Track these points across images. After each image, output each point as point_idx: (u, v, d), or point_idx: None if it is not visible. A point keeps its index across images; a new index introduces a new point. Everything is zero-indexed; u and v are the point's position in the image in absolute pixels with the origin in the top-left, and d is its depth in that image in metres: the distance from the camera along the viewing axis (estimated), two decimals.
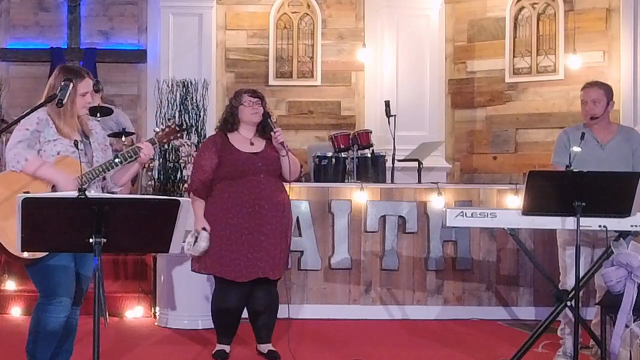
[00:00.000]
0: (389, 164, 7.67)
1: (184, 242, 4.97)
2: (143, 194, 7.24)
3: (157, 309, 6.38)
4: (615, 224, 4.51)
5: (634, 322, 4.35)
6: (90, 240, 3.17)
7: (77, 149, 3.87)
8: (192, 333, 5.98)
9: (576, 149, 4.83)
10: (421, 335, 6.08)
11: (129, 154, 4.10)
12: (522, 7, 9.29)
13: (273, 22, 9.65)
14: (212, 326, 5.51)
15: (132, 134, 7.58)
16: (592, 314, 5.73)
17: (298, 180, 5.40)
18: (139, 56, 9.55)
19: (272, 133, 5.07)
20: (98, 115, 7.70)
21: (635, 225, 4.53)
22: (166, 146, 7.07)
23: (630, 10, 8.50)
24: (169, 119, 7.17)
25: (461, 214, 4.73)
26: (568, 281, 5.02)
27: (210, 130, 7.84)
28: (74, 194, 3.24)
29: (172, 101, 7.24)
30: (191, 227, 5.05)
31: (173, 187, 7.03)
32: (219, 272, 5.12)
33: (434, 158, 8.57)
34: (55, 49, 9.38)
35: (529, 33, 9.22)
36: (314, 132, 9.56)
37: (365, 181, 7.07)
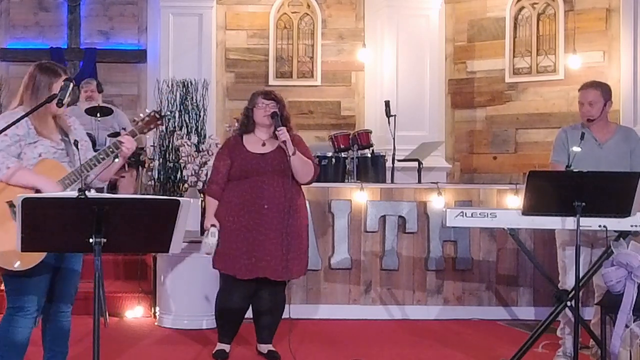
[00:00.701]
0: (389, 164, 7.67)
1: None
2: (143, 194, 7.25)
3: (157, 309, 6.38)
4: (615, 224, 4.51)
5: (634, 322, 4.35)
6: (90, 240, 3.17)
7: (77, 148, 3.81)
8: (192, 333, 5.98)
9: (576, 149, 4.83)
10: (421, 335, 6.08)
11: (111, 149, 3.97)
12: (522, 7, 9.29)
13: (273, 22, 9.65)
14: (213, 326, 5.52)
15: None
16: (591, 314, 5.73)
17: (313, 181, 5.33)
18: (139, 56, 9.56)
19: (276, 132, 5.07)
20: (98, 115, 7.72)
21: (635, 225, 4.53)
22: (166, 146, 7.08)
23: (630, 10, 8.50)
24: (168, 119, 7.17)
25: (461, 214, 4.73)
26: (567, 281, 5.02)
27: (210, 130, 7.86)
28: (74, 194, 3.23)
29: (172, 101, 7.24)
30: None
31: (173, 187, 7.03)
32: (223, 268, 5.17)
33: (434, 158, 8.57)
34: (55, 49, 9.38)
35: (529, 33, 9.22)
36: (314, 132, 9.55)
37: (365, 181, 7.07)
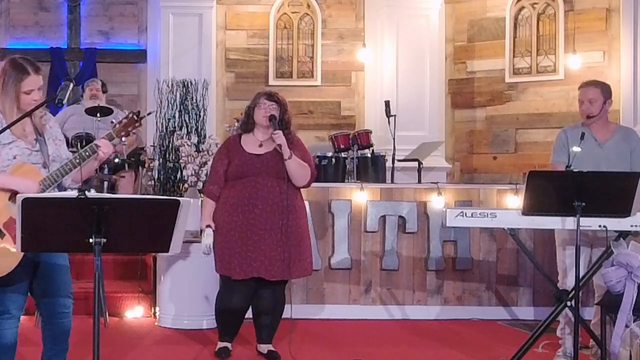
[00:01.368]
0: (389, 164, 7.67)
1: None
2: (143, 194, 7.24)
3: (157, 309, 6.38)
4: (615, 224, 4.51)
5: (634, 322, 4.35)
6: (90, 240, 3.16)
7: (78, 149, 3.79)
8: (192, 333, 5.98)
9: (576, 149, 4.83)
10: (421, 335, 6.08)
11: (87, 153, 3.84)
12: (522, 7, 9.28)
13: (273, 22, 9.65)
14: (213, 326, 5.53)
15: (133, 134, 7.57)
16: (591, 314, 5.73)
17: (310, 184, 5.34)
18: (139, 56, 9.55)
19: (272, 135, 5.07)
20: (98, 115, 7.72)
21: (635, 225, 4.53)
22: (166, 146, 7.07)
23: (630, 10, 8.50)
24: (168, 119, 7.17)
25: (461, 214, 4.73)
26: (567, 281, 5.02)
27: (210, 130, 7.86)
28: (73, 194, 3.23)
29: (172, 101, 7.23)
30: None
31: (173, 187, 7.03)
32: (220, 269, 5.18)
33: (434, 158, 8.57)
34: (55, 49, 9.38)
35: (529, 33, 9.21)
36: (314, 132, 9.55)
37: (365, 181, 7.07)
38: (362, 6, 9.67)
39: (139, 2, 9.63)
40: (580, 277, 4.58)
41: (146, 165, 7.47)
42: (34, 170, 3.82)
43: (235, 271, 5.08)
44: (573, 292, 4.61)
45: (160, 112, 7.21)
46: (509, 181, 7.75)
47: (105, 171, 7.32)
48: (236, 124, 5.56)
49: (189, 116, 7.22)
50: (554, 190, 4.50)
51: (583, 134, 4.90)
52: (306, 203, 6.55)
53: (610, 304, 4.50)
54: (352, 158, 7.52)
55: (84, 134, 7.67)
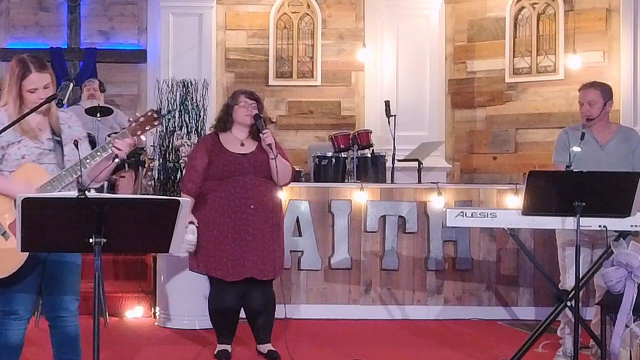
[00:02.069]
0: (389, 164, 7.67)
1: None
2: (143, 194, 7.24)
3: (157, 309, 6.38)
4: (615, 224, 4.51)
5: (634, 322, 4.35)
6: (90, 240, 3.16)
7: (77, 148, 3.66)
8: (192, 333, 5.98)
9: (576, 149, 4.83)
10: (421, 335, 6.08)
11: (98, 152, 3.74)
12: (522, 7, 9.29)
13: (273, 22, 9.65)
14: (212, 326, 5.51)
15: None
16: (591, 314, 5.73)
17: (293, 181, 5.35)
18: (139, 56, 9.56)
19: (260, 135, 5.06)
20: (98, 115, 7.72)
21: (635, 225, 4.53)
22: (166, 146, 7.07)
23: (630, 10, 8.50)
24: (168, 119, 7.16)
25: (461, 214, 4.73)
26: (568, 281, 5.02)
27: (210, 130, 7.85)
28: (74, 194, 3.22)
29: (172, 101, 7.23)
30: None
31: (173, 187, 7.02)
32: (209, 271, 5.17)
33: (434, 158, 8.57)
34: (55, 49, 9.38)
35: (529, 33, 9.21)
36: (314, 132, 9.56)
37: (365, 181, 7.07)
38: (362, 6, 9.68)
39: (139, 2, 9.63)
40: (581, 277, 4.58)
41: (146, 165, 7.46)
42: (37, 169, 3.77)
43: (228, 273, 5.07)
44: (573, 292, 4.61)
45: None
46: (509, 181, 7.75)
47: None
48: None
49: (189, 116, 7.21)
50: (554, 190, 4.50)
51: (583, 134, 4.89)
52: (306, 203, 6.62)
53: (610, 304, 4.50)
54: (352, 158, 7.51)
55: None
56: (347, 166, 7.54)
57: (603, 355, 4.54)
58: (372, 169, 7.57)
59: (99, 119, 7.71)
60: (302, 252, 6.62)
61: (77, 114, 7.96)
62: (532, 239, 6.62)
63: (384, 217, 6.69)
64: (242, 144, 5.16)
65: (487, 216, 4.71)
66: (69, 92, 3.78)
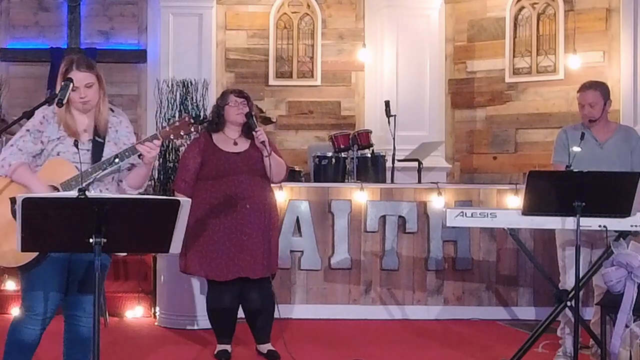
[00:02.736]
0: (389, 164, 7.67)
1: None
2: (143, 194, 7.23)
3: (157, 309, 6.38)
4: (615, 224, 4.51)
5: (634, 322, 4.35)
6: (90, 240, 3.16)
7: (78, 149, 3.70)
8: (192, 333, 5.98)
9: (576, 149, 4.83)
10: (421, 335, 6.08)
11: (127, 154, 3.78)
12: (522, 7, 9.29)
13: (273, 22, 9.65)
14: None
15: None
16: (591, 314, 5.73)
17: (293, 181, 5.36)
18: (139, 56, 9.55)
19: (253, 132, 5.05)
20: None
21: (635, 225, 4.53)
22: (166, 146, 7.07)
23: (630, 10, 8.50)
24: (168, 119, 7.16)
25: (461, 214, 4.73)
26: (567, 281, 5.02)
27: None
28: (73, 194, 3.22)
29: (172, 101, 7.23)
30: None
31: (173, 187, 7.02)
32: (201, 272, 5.17)
33: (434, 158, 8.57)
34: (55, 49, 9.37)
35: (529, 33, 9.22)
36: (314, 132, 9.56)
37: (365, 181, 7.07)
38: (362, 6, 9.68)
39: (139, 2, 9.63)
40: (581, 277, 4.58)
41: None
42: (64, 165, 3.76)
43: (222, 273, 5.06)
44: (573, 292, 4.61)
45: (160, 112, 7.20)
46: (509, 181, 7.74)
47: None
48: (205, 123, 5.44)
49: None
50: (554, 190, 4.50)
51: (583, 134, 4.90)
52: (306, 203, 6.62)
53: (610, 304, 4.50)
54: (352, 158, 7.51)
55: None
56: (347, 166, 7.54)
57: (603, 355, 4.54)
58: (372, 169, 7.57)
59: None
60: (302, 252, 6.62)
61: None
62: (532, 239, 6.62)
63: (384, 217, 6.69)
64: (235, 143, 5.16)
65: (487, 216, 4.71)
66: (69, 92, 3.78)
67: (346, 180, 7.38)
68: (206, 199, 5.10)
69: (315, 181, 7.38)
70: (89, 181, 3.75)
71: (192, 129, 3.85)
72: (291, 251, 6.56)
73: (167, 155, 7.02)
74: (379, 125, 8.67)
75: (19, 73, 9.42)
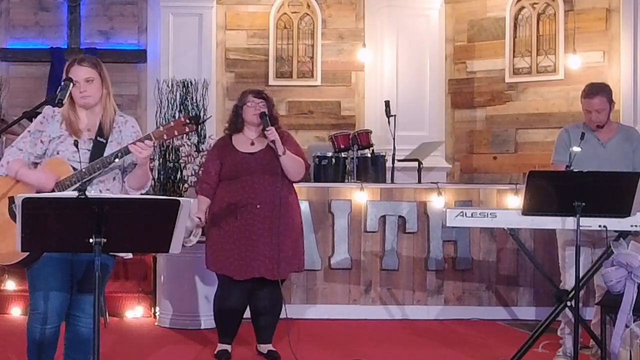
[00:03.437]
0: (389, 164, 7.67)
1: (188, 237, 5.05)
2: (143, 194, 7.23)
3: (157, 309, 6.38)
4: (615, 224, 4.51)
5: (634, 322, 4.35)
6: (90, 240, 3.16)
7: (78, 149, 3.72)
8: (192, 333, 5.98)
9: (576, 149, 4.83)
10: (421, 335, 6.08)
11: (121, 153, 3.75)
12: (522, 7, 9.29)
13: (273, 22, 9.65)
14: (213, 326, 5.52)
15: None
16: (591, 314, 5.73)
17: (304, 178, 5.35)
18: (139, 56, 9.55)
19: (264, 132, 5.06)
20: None
21: (635, 225, 4.53)
22: (166, 146, 7.07)
23: (630, 10, 8.50)
24: (168, 119, 7.17)
25: (461, 214, 4.73)
26: (568, 281, 5.02)
27: (210, 130, 7.86)
28: (74, 194, 3.22)
29: (172, 101, 7.24)
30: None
31: (173, 187, 7.03)
32: (218, 269, 5.17)
33: (434, 158, 8.57)
34: (55, 49, 9.37)
35: (529, 33, 9.21)
36: (314, 132, 9.56)
37: (365, 181, 7.07)
38: (362, 6, 9.68)
39: (139, 2, 9.63)
40: (581, 277, 4.58)
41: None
42: (62, 165, 3.77)
43: (237, 272, 5.08)
44: (573, 292, 4.61)
45: (160, 112, 7.21)
46: (509, 181, 7.74)
47: None
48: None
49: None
50: (554, 190, 4.49)
51: (583, 134, 4.90)
52: (306, 203, 6.61)
53: (610, 304, 4.50)
54: (352, 158, 7.51)
55: None
56: (347, 166, 7.54)
57: (603, 355, 4.54)
58: (372, 169, 7.57)
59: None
60: None
61: None
62: (532, 239, 6.62)
63: (384, 217, 6.69)
64: (252, 144, 5.17)
65: (487, 216, 4.71)
66: (69, 92, 3.78)
67: (346, 180, 7.38)
68: (221, 199, 5.14)
69: (315, 181, 7.37)
70: (84, 181, 3.75)
71: (187, 129, 3.80)
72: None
73: (167, 156, 7.03)
74: (379, 125, 8.67)
75: (19, 73, 9.42)
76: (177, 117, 3.86)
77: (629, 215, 4.48)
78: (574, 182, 4.40)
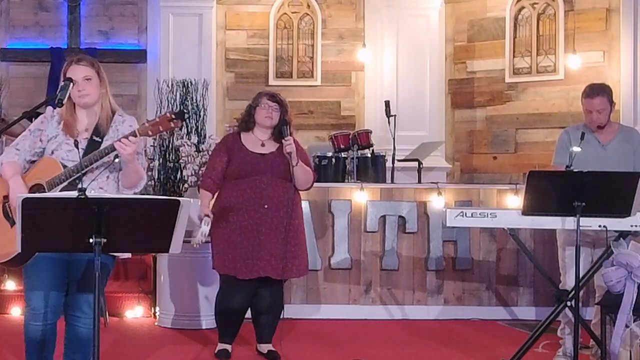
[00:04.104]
0: (389, 164, 7.67)
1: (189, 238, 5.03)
2: (143, 194, 7.23)
3: (157, 309, 6.38)
4: (615, 224, 4.51)
5: (634, 322, 4.35)
6: (90, 240, 3.16)
7: (78, 149, 3.70)
8: (192, 333, 5.98)
9: (576, 149, 4.83)
10: (421, 335, 6.08)
11: (106, 151, 3.71)
12: (522, 7, 9.29)
13: (273, 22, 9.65)
14: (213, 326, 5.52)
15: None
16: (592, 314, 5.73)
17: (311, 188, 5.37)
18: (139, 56, 9.55)
19: (283, 140, 5.06)
20: None
21: (635, 225, 4.53)
22: (166, 146, 7.07)
23: (630, 10, 8.50)
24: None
25: (461, 214, 4.73)
26: (568, 281, 5.02)
27: (210, 130, 7.86)
28: (74, 193, 3.22)
29: (172, 101, 7.22)
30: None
31: (173, 187, 7.02)
32: (224, 268, 5.17)
33: (434, 158, 8.57)
34: (55, 49, 9.37)
35: (529, 33, 9.21)
36: (314, 132, 9.55)
37: (365, 181, 7.07)
38: (362, 6, 9.68)
39: (139, 2, 9.63)
40: (581, 277, 4.58)
41: (146, 165, 7.45)
42: (53, 164, 3.76)
43: (241, 271, 5.08)
44: (573, 292, 4.61)
45: (161, 112, 7.20)
46: (509, 181, 7.74)
47: None
48: (236, 123, 5.51)
49: (189, 116, 7.21)
50: (554, 190, 4.50)
51: (583, 134, 4.89)
52: (306, 203, 6.60)
53: (610, 304, 4.50)
54: (352, 158, 7.51)
55: None
56: (347, 166, 7.54)
57: (603, 355, 4.54)
58: (372, 169, 7.57)
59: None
60: None
61: None
62: (532, 239, 6.62)
63: (384, 217, 6.69)
64: (263, 145, 5.18)
65: (487, 216, 4.71)
66: (69, 92, 3.78)
67: (346, 180, 7.38)
68: (229, 197, 5.13)
69: (315, 181, 7.37)
70: (72, 178, 3.73)
71: (173, 125, 3.76)
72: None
73: (167, 155, 7.02)
74: (379, 125, 8.67)
75: (19, 73, 9.42)
76: (162, 113, 3.80)
77: (629, 215, 4.48)
78: (574, 182, 4.40)
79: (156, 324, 6.30)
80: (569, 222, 4.49)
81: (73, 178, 3.73)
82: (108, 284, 6.54)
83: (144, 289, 6.65)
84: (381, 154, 7.68)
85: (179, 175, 6.95)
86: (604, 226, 4.47)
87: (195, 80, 7.36)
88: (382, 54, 9.28)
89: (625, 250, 4.46)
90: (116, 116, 3.94)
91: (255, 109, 5.20)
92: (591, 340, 4.97)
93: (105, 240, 3.17)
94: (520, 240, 5.06)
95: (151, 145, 7.34)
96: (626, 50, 8.53)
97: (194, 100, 7.25)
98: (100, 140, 3.83)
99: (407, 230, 6.69)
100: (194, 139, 6.92)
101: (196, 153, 6.72)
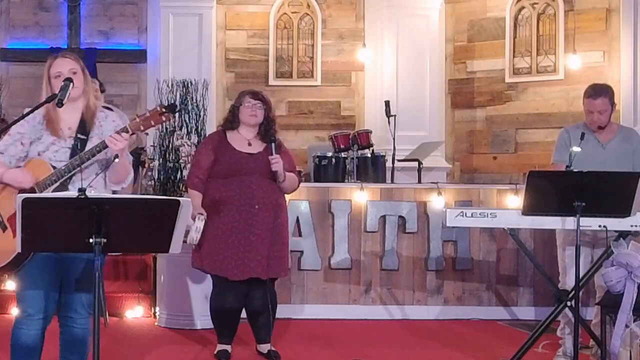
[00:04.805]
0: (389, 164, 7.67)
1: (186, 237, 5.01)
2: (143, 194, 7.24)
3: (157, 309, 6.38)
4: (615, 224, 4.51)
5: (634, 322, 4.35)
6: (90, 240, 3.16)
7: (78, 149, 3.70)
8: (192, 333, 5.98)
9: (576, 149, 4.83)
10: (421, 335, 6.08)
11: (97, 149, 3.70)
12: (522, 7, 9.29)
13: (273, 22, 9.65)
14: (212, 326, 5.51)
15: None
16: (592, 314, 5.73)
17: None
18: (139, 56, 9.55)
19: (269, 157, 5.04)
20: None
21: (635, 225, 4.54)
22: (166, 146, 7.07)
23: (630, 10, 8.50)
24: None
25: (461, 214, 4.73)
26: (568, 281, 5.02)
27: (210, 130, 7.85)
28: (73, 193, 3.22)
29: (172, 101, 7.23)
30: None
31: (173, 187, 7.02)
32: (213, 269, 5.16)
33: (434, 158, 8.57)
34: (55, 49, 9.35)
35: (529, 33, 9.21)
36: (314, 132, 9.56)
37: (365, 181, 7.07)
38: (362, 6, 9.68)
39: (139, 2, 9.63)
40: (581, 277, 4.58)
41: (146, 165, 7.46)
42: (42, 165, 3.74)
43: (232, 272, 5.06)
44: (573, 292, 4.61)
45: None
46: (509, 181, 7.74)
47: None
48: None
49: (189, 116, 7.22)
50: (554, 190, 4.50)
51: (583, 134, 4.90)
52: (306, 203, 6.62)
53: (610, 304, 4.50)
54: (352, 158, 7.51)
55: None
56: (347, 166, 7.54)
57: (603, 355, 4.54)
58: (372, 169, 7.57)
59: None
60: (302, 252, 6.62)
61: None
62: (532, 239, 6.62)
63: (384, 217, 6.69)
64: (250, 144, 5.17)
65: (487, 216, 4.71)
66: (68, 92, 3.77)
67: (346, 180, 7.39)
68: (217, 197, 5.11)
69: (315, 181, 7.38)
70: (64, 179, 3.72)
71: (164, 119, 3.79)
72: (291, 251, 6.53)
73: (167, 155, 7.03)
74: (379, 125, 8.67)
75: (19, 73, 9.42)
76: (152, 108, 3.81)
77: (629, 215, 4.48)
78: (574, 182, 4.40)
79: (156, 324, 6.30)
80: (569, 222, 4.50)
81: (65, 178, 3.72)
82: (108, 284, 6.61)
83: (143, 289, 6.65)
84: (381, 154, 7.68)
85: (179, 175, 6.95)
86: (604, 226, 4.47)
87: (195, 80, 7.36)
88: (382, 54, 9.28)
89: (625, 250, 4.46)
90: (98, 112, 3.91)
91: (239, 109, 5.19)
92: (591, 340, 4.97)
93: (105, 240, 3.17)
94: (520, 240, 5.06)
95: (151, 145, 7.35)
96: (626, 50, 8.53)
97: (194, 100, 7.25)
98: (85, 137, 3.81)
99: (407, 230, 6.69)
100: (194, 139, 6.92)
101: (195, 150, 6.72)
